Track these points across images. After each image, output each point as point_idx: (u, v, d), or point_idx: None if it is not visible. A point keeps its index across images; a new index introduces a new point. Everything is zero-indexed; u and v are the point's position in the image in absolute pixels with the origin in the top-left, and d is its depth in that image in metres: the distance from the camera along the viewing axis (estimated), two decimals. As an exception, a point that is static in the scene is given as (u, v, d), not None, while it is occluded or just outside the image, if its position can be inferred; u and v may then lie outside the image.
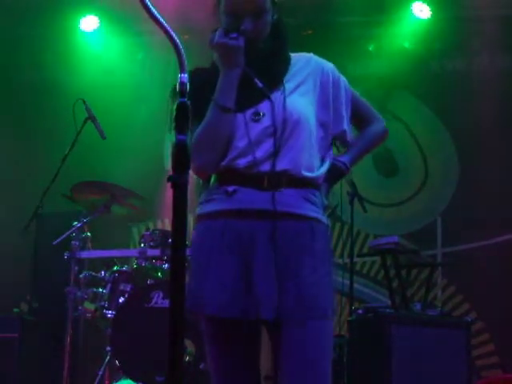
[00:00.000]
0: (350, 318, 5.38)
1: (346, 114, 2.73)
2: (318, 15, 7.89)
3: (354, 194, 5.70)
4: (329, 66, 2.76)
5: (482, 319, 7.29)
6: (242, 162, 2.55)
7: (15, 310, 6.43)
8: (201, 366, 4.89)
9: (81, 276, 5.46)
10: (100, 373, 5.12)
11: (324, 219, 2.64)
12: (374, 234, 7.67)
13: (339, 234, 7.07)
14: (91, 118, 5.77)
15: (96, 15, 8.03)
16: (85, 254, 5.36)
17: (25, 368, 5.81)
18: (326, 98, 2.69)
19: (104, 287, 5.52)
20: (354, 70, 8.32)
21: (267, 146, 2.54)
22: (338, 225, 7.06)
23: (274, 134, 2.53)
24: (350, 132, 2.76)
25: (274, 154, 2.53)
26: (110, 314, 5.37)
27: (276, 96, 2.59)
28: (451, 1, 7.58)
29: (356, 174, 5.81)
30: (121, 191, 5.54)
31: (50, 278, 6.39)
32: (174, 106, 1.93)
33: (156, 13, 1.91)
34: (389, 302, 5.46)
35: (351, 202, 5.75)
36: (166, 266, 5.52)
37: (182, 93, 1.95)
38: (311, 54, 2.78)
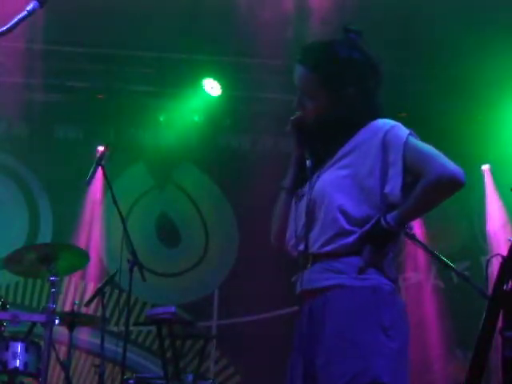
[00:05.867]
0: (120, 389, 5.28)
1: (394, 175, 2.63)
2: (109, 80, 7.87)
3: (134, 262, 5.66)
4: (385, 127, 2.68)
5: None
6: (289, 243, 2.75)
7: None
8: None
9: None
10: None
11: (353, 282, 2.57)
12: (153, 304, 7.64)
13: (116, 302, 6.97)
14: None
15: None
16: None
17: None
18: (373, 163, 2.64)
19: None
20: (144, 139, 8.37)
21: (303, 226, 2.68)
22: (115, 292, 6.96)
23: (306, 214, 2.67)
24: (396, 194, 2.63)
25: (306, 234, 2.65)
26: None
27: (318, 175, 2.71)
28: (241, 81, 7.85)
29: (138, 243, 5.79)
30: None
31: None
32: None
33: None
34: (162, 373, 5.43)
35: (131, 270, 5.69)
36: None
37: None
38: (383, 121, 2.72)
